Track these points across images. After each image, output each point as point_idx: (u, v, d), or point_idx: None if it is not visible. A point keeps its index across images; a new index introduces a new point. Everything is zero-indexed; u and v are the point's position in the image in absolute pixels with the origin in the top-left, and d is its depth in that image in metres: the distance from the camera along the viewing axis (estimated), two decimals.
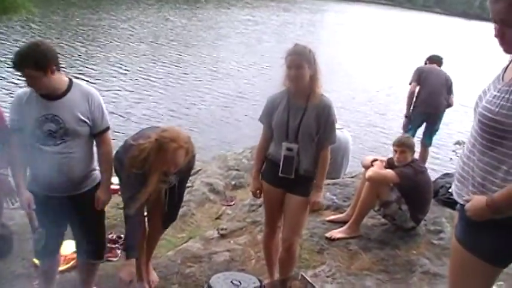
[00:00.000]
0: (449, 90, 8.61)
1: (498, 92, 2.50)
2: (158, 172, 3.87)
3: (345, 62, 24.92)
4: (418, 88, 8.53)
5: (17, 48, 3.68)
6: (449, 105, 8.68)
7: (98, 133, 3.95)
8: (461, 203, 2.66)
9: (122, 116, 13.56)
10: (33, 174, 3.89)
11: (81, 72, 17.11)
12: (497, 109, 2.44)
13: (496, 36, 2.44)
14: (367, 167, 5.58)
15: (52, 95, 3.71)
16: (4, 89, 14.62)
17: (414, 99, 8.58)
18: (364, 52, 30.77)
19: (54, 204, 3.86)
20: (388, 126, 15.01)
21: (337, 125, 4.35)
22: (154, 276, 4.81)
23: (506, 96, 2.42)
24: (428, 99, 8.45)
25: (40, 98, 3.70)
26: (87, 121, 3.83)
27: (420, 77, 8.53)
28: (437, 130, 8.90)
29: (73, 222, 4.07)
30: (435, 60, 8.92)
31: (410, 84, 8.65)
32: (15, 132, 3.77)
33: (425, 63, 8.99)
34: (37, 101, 3.69)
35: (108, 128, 4.02)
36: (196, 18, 37.10)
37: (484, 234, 2.56)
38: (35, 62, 3.52)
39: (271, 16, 43.74)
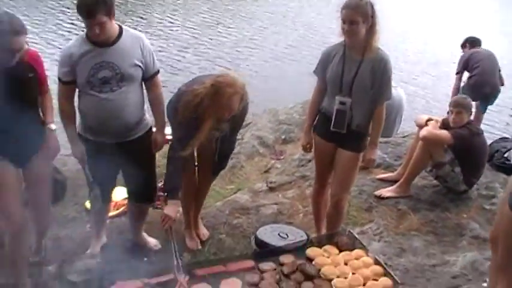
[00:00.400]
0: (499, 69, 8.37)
1: None
2: (212, 118, 3.84)
3: (403, 19, 24.20)
4: (467, 75, 8.31)
5: None
6: (503, 83, 8.49)
7: (149, 77, 3.99)
8: None
9: (170, 66, 13.58)
10: (89, 122, 3.92)
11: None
12: None
13: None
14: (421, 126, 5.47)
15: (106, 42, 3.72)
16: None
17: (464, 85, 8.34)
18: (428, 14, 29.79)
19: (107, 151, 3.91)
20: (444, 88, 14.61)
21: (392, 83, 4.24)
22: (204, 230, 4.84)
23: None
24: (485, 83, 8.17)
25: (93, 47, 3.71)
26: (141, 65, 3.86)
27: (469, 64, 8.25)
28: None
29: (125, 169, 4.12)
30: (476, 43, 8.56)
31: (457, 74, 8.42)
32: (64, 85, 3.81)
33: (465, 46, 8.66)
34: (90, 49, 3.70)
35: (158, 72, 4.06)
36: None
37: None
38: (105, 7, 3.56)
39: None
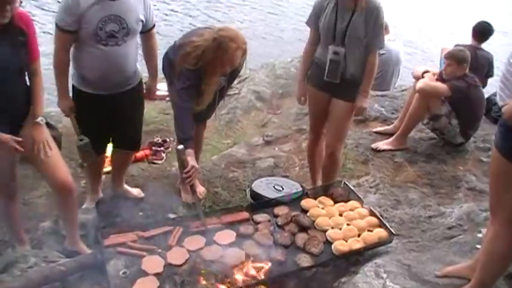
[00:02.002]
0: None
1: None
2: (216, 74, 3.83)
3: None
4: None
5: None
6: None
7: (146, 30, 3.97)
8: (500, 106, 2.57)
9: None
10: (88, 75, 3.85)
11: None
12: None
13: None
14: (417, 78, 5.41)
15: None
16: None
17: None
18: None
19: (101, 103, 3.90)
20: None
21: (389, 36, 4.18)
22: (200, 187, 4.79)
23: None
24: None
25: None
26: (143, 20, 3.85)
27: None
28: None
29: (116, 118, 4.07)
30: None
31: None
32: (65, 34, 3.69)
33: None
34: (97, 1, 3.61)
35: (154, 25, 4.06)
36: None
37: None
38: None
39: None
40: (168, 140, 5.78)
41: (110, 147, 4.48)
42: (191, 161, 3.73)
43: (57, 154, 3.55)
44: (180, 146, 3.66)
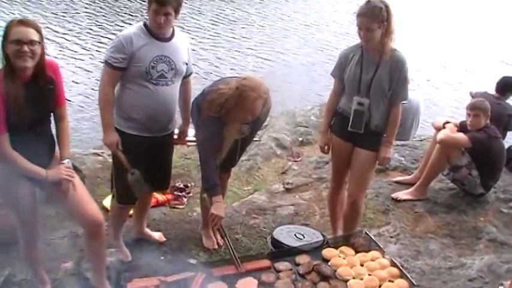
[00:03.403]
0: None
1: None
2: (237, 121, 3.92)
3: (423, 19, 24.08)
4: None
5: None
6: None
7: (186, 76, 4.14)
8: None
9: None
10: (135, 114, 3.94)
11: None
12: None
13: None
14: (438, 129, 5.46)
15: (164, 37, 3.86)
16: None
17: None
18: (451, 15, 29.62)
19: (143, 146, 3.99)
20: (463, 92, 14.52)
21: (409, 86, 4.25)
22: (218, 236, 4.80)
23: None
24: None
25: (153, 39, 3.82)
26: (187, 64, 4.05)
27: None
28: None
29: (154, 161, 4.15)
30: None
31: None
32: (115, 71, 3.82)
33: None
34: (150, 41, 3.80)
35: (192, 73, 4.25)
36: None
37: None
38: (176, 2, 3.75)
39: None
40: (189, 185, 5.84)
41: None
42: (213, 208, 3.81)
43: (85, 191, 3.63)
44: (204, 194, 3.74)
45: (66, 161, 3.49)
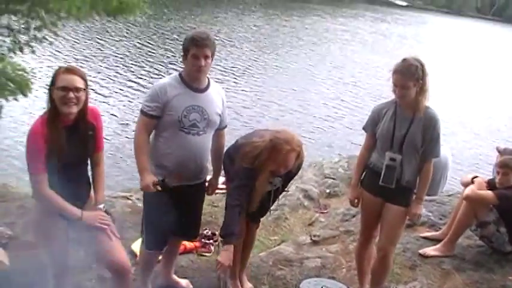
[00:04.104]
0: None
1: None
2: (268, 171, 4.00)
3: (443, 77, 24.32)
4: None
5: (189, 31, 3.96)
6: None
7: (220, 128, 4.26)
8: None
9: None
10: (166, 162, 4.05)
11: None
12: None
13: None
14: (466, 185, 5.47)
15: (199, 88, 4.02)
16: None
17: None
18: (466, 68, 29.96)
19: (175, 195, 4.02)
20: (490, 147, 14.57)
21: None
22: (248, 284, 4.86)
23: None
24: None
25: (187, 90, 3.98)
26: (221, 115, 4.16)
27: None
28: None
29: (185, 210, 4.18)
30: None
31: None
32: (149, 118, 3.96)
33: None
34: (184, 91, 3.96)
35: (226, 126, 4.37)
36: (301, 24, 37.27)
37: None
38: (213, 46, 3.95)
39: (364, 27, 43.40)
40: (216, 233, 5.89)
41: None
42: (221, 256, 3.94)
43: (116, 238, 3.70)
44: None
45: (101, 205, 3.61)
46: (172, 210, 4.02)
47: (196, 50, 3.85)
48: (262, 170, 4.00)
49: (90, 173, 3.76)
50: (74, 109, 3.34)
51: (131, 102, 14.94)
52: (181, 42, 4.02)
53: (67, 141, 3.34)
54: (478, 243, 5.56)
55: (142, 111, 3.99)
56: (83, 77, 3.40)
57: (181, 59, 4.15)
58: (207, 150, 4.19)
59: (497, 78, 28.70)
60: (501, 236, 5.24)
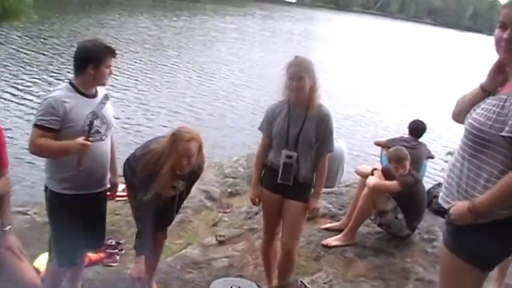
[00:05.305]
0: None
1: (487, 104, 2.67)
2: (171, 164, 3.93)
3: (336, 72, 25.15)
4: None
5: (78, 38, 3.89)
6: None
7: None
8: (447, 208, 2.79)
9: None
10: (69, 174, 3.89)
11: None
12: (483, 120, 2.61)
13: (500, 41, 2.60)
14: (364, 176, 5.67)
15: (92, 94, 3.94)
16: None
17: None
18: (356, 63, 31.10)
19: (82, 205, 3.96)
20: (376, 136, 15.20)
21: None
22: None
23: (493, 108, 2.59)
24: None
25: (83, 98, 3.88)
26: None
27: None
28: None
29: (92, 219, 4.15)
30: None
31: None
32: (47, 132, 3.76)
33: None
34: (81, 100, 3.85)
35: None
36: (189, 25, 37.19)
37: (468, 237, 2.71)
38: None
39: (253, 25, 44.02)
40: (121, 241, 5.81)
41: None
42: (133, 270, 3.94)
43: (23, 257, 3.58)
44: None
45: (8, 227, 3.49)
46: (80, 222, 3.92)
47: (111, 60, 3.86)
48: (164, 165, 3.92)
49: None
50: None
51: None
52: (73, 49, 3.92)
53: None
54: (377, 229, 5.78)
55: (37, 125, 3.76)
56: None
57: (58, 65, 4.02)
58: (109, 155, 4.15)
59: (382, 69, 29.99)
60: (399, 222, 5.47)
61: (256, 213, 6.28)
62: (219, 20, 43.46)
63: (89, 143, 3.71)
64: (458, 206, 2.67)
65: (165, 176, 3.95)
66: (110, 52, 3.89)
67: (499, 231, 2.63)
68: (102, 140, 3.98)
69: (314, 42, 40.91)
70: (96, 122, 3.87)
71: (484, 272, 2.79)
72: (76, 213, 3.92)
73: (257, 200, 4.60)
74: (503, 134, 2.49)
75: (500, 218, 2.59)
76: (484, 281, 2.87)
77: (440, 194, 2.93)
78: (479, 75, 2.84)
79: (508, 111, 2.50)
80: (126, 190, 4.64)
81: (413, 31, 65.21)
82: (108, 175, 4.26)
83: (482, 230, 2.62)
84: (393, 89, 26.07)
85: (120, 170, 4.45)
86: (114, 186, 4.44)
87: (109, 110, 4.06)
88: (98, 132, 3.91)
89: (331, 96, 18.91)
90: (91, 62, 3.81)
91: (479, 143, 2.61)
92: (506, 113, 2.51)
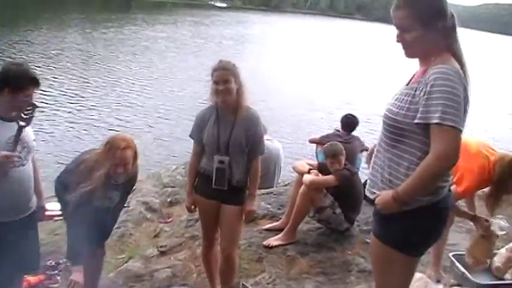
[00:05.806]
0: None
1: (400, 94, 2.76)
2: (105, 168, 3.89)
3: (268, 74, 25.36)
4: None
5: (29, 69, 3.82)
6: None
7: None
8: (372, 198, 2.85)
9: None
10: None
11: None
12: (396, 110, 2.69)
13: (397, 41, 2.71)
14: (301, 173, 5.70)
15: (9, 117, 3.72)
16: None
17: None
18: (289, 63, 31.40)
19: (8, 233, 3.82)
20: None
21: (266, 136, 4.48)
22: None
23: (406, 98, 2.67)
24: None
25: (3, 122, 3.69)
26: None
27: None
28: None
29: (22, 245, 3.98)
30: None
31: None
32: None
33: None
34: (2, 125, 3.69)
35: None
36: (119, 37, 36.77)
37: (394, 225, 2.77)
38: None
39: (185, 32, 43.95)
40: (61, 262, 5.68)
41: None
42: (74, 276, 3.88)
43: None
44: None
45: None
46: (10, 248, 3.82)
47: (33, 90, 3.73)
48: (99, 170, 3.88)
49: None
50: None
51: None
52: None
53: None
54: (317, 226, 5.85)
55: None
56: None
57: None
58: (32, 178, 4.00)
59: (318, 67, 30.38)
60: (337, 216, 5.55)
61: (197, 221, 6.22)
62: (150, 29, 43.10)
63: (14, 154, 3.59)
64: (383, 195, 2.72)
65: (99, 179, 3.90)
66: (34, 83, 3.73)
67: (422, 217, 2.71)
68: (24, 165, 3.83)
69: (248, 45, 41.13)
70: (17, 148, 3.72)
71: (412, 258, 2.86)
72: (5, 240, 3.81)
73: (193, 207, 4.59)
74: (416, 121, 2.56)
75: (422, 205, 2.66)
76: (416, 266, 2.95)
77: (367, 185, 2.98)
78: (410, 65, 2.90)
79: (419, 99, 2.57)
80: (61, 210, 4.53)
81: (344, 27, 66.32)
82: (34, 199, 4.12)
83: (406, 217, 2.69)
84: (330, 85, 26.46)
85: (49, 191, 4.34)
86: (42, 209, 4.31)
87: (29, 134, 3.90)
88: (19, 157, 3.74)
89: (269, 97, 19.07)
90: (8, 86, 3.65)
91: (396, 133, 2.68)
92: (417, 101, 2.58)
